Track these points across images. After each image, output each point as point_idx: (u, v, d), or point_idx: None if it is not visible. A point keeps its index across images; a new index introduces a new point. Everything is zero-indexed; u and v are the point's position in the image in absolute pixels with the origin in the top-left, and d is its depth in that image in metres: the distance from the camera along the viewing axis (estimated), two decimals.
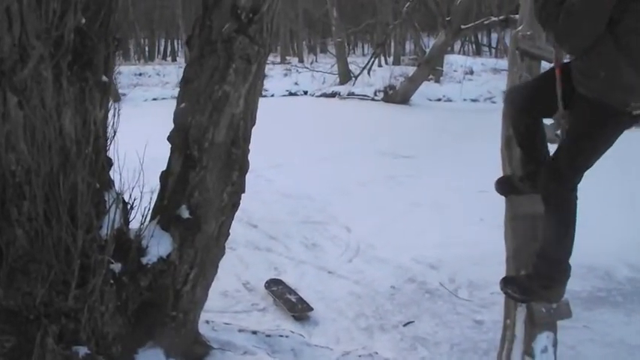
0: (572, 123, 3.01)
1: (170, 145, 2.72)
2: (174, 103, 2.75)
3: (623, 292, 5.12)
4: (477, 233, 5.81)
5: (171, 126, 2.73)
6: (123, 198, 2.70)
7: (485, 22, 14.99)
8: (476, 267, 5.33)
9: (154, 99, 17.93)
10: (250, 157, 2.78)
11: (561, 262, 3.03)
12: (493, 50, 30.62)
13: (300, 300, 4.82)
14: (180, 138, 2.57)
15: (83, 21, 2.38)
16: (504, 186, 3.48)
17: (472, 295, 5.05)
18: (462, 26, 14.46)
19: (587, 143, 2.98)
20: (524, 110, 3.26)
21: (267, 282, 5.16)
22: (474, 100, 16.49)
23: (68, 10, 2.25)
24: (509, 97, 3.46)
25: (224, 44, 2.50)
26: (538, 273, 3.03)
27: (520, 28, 4.03)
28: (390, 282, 5.26)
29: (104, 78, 2.56)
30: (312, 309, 4.71)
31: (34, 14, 2.14)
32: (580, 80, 2.88)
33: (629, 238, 5.80)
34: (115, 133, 2.65)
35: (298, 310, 4.69)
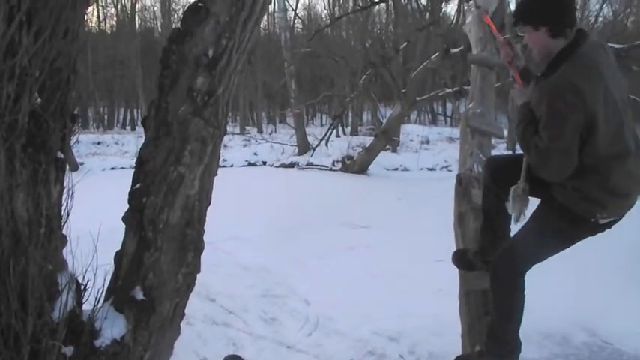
0: (536, 219, 3.05)
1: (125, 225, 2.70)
2: (132, 173, 2.74)
3: (580, 357, 5.18)
4: (436, 303, 5.83)
5: None
6: (76, 279, 2.65)
7: (440, 94, 15.38)
8: (436, 337, 5.34)
9: (112, 168, 17.81)
10: (208, 228, 2.78)
11: (509, 342, 3.06)
12: (448, 119, 31.41)
13: None
14: (135, 219, 2.56)
15: (38, 100, 2.38)
16: (460, 259, 3.53)
17: None
18: (418, 97, 14.81)
19: (548, 242, 3.02)
20: (497, 175, 3.32)
21: (225, 358, 5.05)
22: (430, 169, 16.79)
23: (23, 94, 2.25)
24: (488, 161, 3.54)
25: (179, 126, 2.53)
26: (489, 351, 3.05)
27: (470, 105, 4.18)
28: (350, 355, 5.22)
29: (60, 155, 2.56)
30: None
31: None
32: (548, 183, 2.93)
33: (584, 302, 5.89)
34: (68, 213, 2.62)
35: None
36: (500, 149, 16.09)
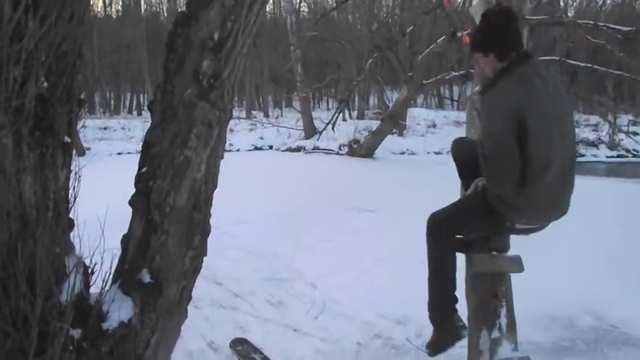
0: (468, 204, 3.38)
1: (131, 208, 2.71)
2: (139, 157, 2.75)
3: (586, 341, 5.18)
4: None
5: None
6: (84, 262, 2.66)
7: (447, 77, 15.33)
8: None
9: (119, 153, 17.85)
10: (215, 212, 2.78)
11: (443, 304, 3.41)
12: (455, 103, 31.31)
13: (266, 359, 4.78)
14: (142, 202, 2.57)
15: (45, 85, 2.38)
16: (460, 242, 3.57)
17: None
18: (424, 81, 14.75)
19: (470, 224, 3.38)
20: (461, 159, 3.59)
21: (232, 341, 5.10)
22: (437, 153, 16.77)
23: (30, 78, 2.26)
24: (454, 143, 3.77)
25: (185, 110, 2.53)
26: (433, 321, 3.50)
27: (477, 88, 4.16)
28: (356, 338, 5.24)
29: (66, 139, 2.56)
30: None
31: None
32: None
33: (590, 286, 5.89)
34: (75, 197, 2.63)
35: None
36: None
